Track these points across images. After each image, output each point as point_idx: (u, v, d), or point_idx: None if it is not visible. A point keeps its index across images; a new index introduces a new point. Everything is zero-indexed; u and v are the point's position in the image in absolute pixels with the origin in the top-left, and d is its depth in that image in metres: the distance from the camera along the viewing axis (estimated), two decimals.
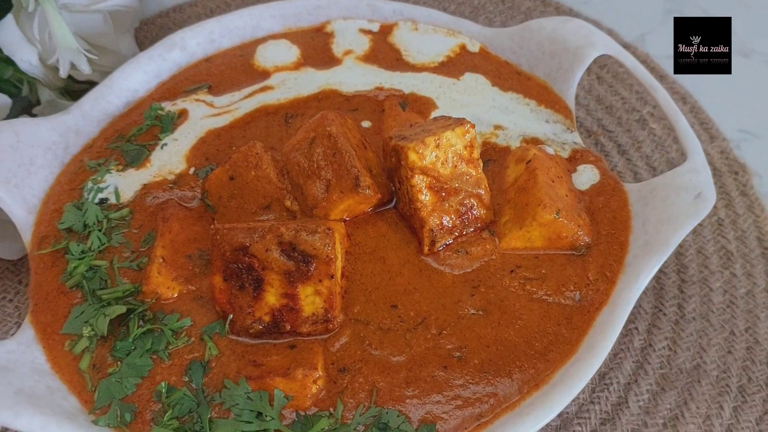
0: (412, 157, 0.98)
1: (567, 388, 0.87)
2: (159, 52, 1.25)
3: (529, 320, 0.96)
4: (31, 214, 1.07)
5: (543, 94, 1.21)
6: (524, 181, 1.05)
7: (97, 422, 0.87)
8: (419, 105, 1.19)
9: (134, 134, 1.17)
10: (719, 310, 1.17)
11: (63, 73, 1.13)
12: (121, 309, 0.94)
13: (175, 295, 0.99)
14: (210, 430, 0.86)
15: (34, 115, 1.28)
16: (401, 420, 0.87)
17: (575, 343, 0.94)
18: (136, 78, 1.23)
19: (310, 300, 0.94)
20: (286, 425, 0.87)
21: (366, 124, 1.18)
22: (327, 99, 1.20)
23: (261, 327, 0.95)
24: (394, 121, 1.16)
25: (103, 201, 1.09)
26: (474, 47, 1.28)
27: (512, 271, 1.00)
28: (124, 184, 1.11)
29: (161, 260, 1.00)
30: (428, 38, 1.28)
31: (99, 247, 1.03)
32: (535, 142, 1.15)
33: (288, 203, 1.05)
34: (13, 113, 1.22)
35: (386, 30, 1.30)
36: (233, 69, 1.26)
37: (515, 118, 1.18)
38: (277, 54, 1.27)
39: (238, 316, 0.95)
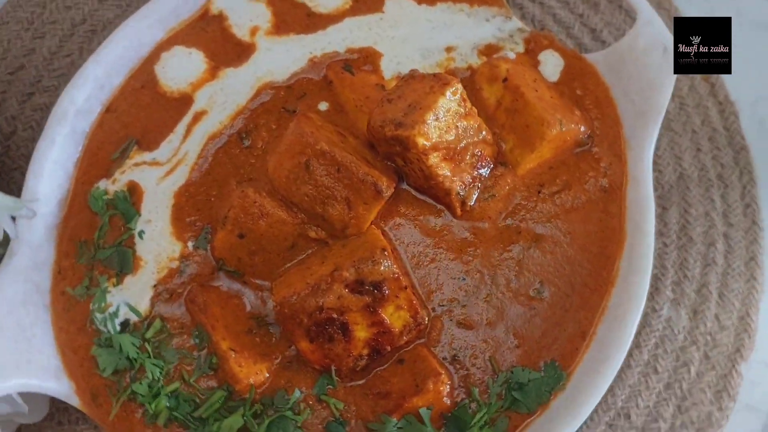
0: (420, 141, 0.94)
1: (639, 277, 0.98)
2: (55, 131, 1.04)
3: (575, 230, 1.03)
4: (61, 379, 0.96)
5: None
6: (510, 101, 1.05)
7: None
8: (363, 61, 1.11)
9: (99, 236, 1.02)
10: (675, 115, 1.30)
11: (13, 234, 0.93)
12: (238, 421, 0.92)
13: (267, 375, 0.97)
14: None
15: None
16: (527, 372, 0.97)
17: (620, 228, 1.03)
18: (50, 173, 1.03)
19: (395, 317, 0.96)
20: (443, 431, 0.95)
21: (323, 106, 1.09)
22: (271, 100, 1.08)
23: (365, 361, 0.96)
24: (352, 90, 1.08)
25: (125, 325, 0.99)
26: None
27: (539, 192, 1.05)
28: (132, 296, 1.00)
29: (233, 353, 0.95)
30: None
31: (161, 374, 0.96)
32: (490, 49, 1.12)
33: (313, 234, 1.00)
34: None
35: None
36: (146, 108, 1.09)
37: (458, 31, 1.13)
38: (180, 68, 1.10)
39: (339, 363, 0.96)
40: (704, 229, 1.23)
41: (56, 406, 1.10)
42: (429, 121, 0.95)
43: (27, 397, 1.00)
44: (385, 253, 0.94)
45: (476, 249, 1.03)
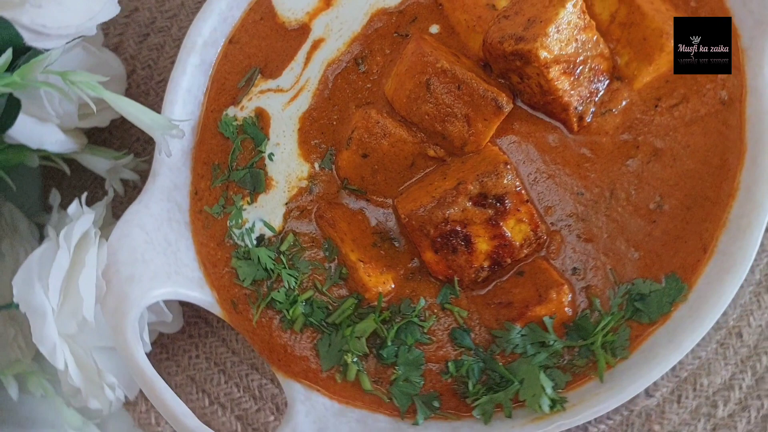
0: (543, 54, 0.96)
1: (762, 188, 0.97)
2: (186, 62, 1.10)
3: (694, 143, 1.02)
4: (204, 288, 1.05)
5: None
6: (626, 14, 1.04)
7: (417, 422, 0.97)
8: None
9: (233, 159, 1.09)
10: None
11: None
12: (371, 325, 0.98)
13: (393, 285, 1.02)
14: (513, 376, 0.96)
15: (105, 191, 1.16)
16: (649, 283, 0.98)
17: (740, 140, 1.01)
18: (183, 100, 1.10)
19: (516, 230, 0.99)
20: (565, 339, 0.98)
21: (434, 29, 1.11)
22: (384, 26, 1.11)
23: (486, 273, 1.00)
24: (463, 11, 1.09)
25: (261, 239, 1.06)
26: None
27: (656, 106, 1.05)
28: (266, 213, 1.07)
29: (361, 263, 1.01)
30: None
31: (296, 283, 1.03)
32: None
33: (432, 152, 1.04)
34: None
35: None
36: (267, 39, 1.14)
37: None
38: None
39: (461, 274, 1.00)
40: None
41: (187, 321, 1.20)
42: (551, 34, 0.96)
43: (168, 308, 1.10)
44: (508, 167, 0.96)
45: (594, 164, 1.04)
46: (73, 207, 1.02)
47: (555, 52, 0.97)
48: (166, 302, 1.11)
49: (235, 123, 1.10)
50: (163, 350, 1.20)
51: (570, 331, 0.98)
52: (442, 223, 0.96)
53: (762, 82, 1.02)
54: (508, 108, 1.00)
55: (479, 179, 0.96)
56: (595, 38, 1.01)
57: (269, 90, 1.11)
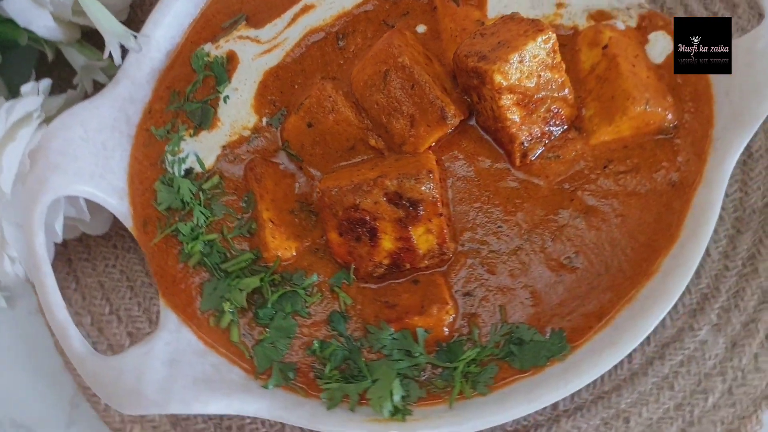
0: (498, 78, 0.95)
1: (680, 276, 0.95)
2: None
3: (629, 215, 1.01)
4: (123, 199, 1.08)
5: None
6: (604, 69, 1.03)
7: (267, 386, 0.98)
8: None
9: (191, 91, 1.12)
10: None
11: (117, 59, 1.05)
12: (255, 282, 1.00)
13: (294, 254, 1.04)
14: (369, 373, 0.96)
15: (74, 86, 1.21)
16: (533, 332, 0.97)
17: (677, 226, 0.99)
18: (168, 23, 1.14)
19: (423, 239, 0.99)
20: (432, 356, 0.98)
21: (421, 29, 1.12)
22: (374, 10, 1.12)
23: (383, 270, 1.01)
24: (452, 20, 1.10)
25: (188, 172, 1.09)
26: None
27: (605, 167, 1.03)
28: (202, 149, 1.10)
29: (271, 224, 1.03)
30: None
31: (205, 222, 1.06)
32: (601, 15, 1.09)
33: (373, 142, 1.05)
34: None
35: None
36: None
37: None
38: None
39: (359, 264, 1.01)
40: None
41: (115, 230, 1.23)
42: (512, 61, 0.96)
43: (93, 210, 1.14)
44: (431, 175, 0.97)
45: (523, 202, 1.03)
46: (28, 86, 1.07)
47: (511, 81, 0.96)
48: (94, 205, 1.14)
49: (206, 59, 1.13)
50: (85, 251, 1.24)
51: (441, 350, 0.98)
52: (352, 208, 0.97)
53: (719, 176, 1.00)
54: (452, 121, 1.00)
55: (399, 178, 0.97)
56: (561, 80, 1.00)
57: (248, 38, 1.14)
